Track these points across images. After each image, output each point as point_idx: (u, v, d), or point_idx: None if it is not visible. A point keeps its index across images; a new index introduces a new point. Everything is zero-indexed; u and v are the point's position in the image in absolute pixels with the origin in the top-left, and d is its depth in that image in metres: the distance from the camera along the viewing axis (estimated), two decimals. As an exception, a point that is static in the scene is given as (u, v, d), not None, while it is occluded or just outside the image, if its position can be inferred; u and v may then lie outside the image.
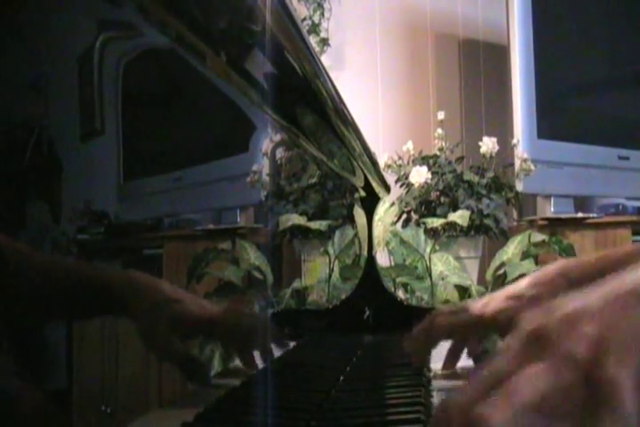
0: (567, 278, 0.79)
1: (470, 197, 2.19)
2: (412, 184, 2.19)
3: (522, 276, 1.92)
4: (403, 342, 0.82)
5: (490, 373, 0.33)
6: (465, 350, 0.82)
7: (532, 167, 2.25)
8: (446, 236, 2.16)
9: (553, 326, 0.33)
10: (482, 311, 0.79)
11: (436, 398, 0.66)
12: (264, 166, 1.73)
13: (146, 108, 0.86)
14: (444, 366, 0.83)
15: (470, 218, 2.12)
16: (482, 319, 0.79)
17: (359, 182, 1.21)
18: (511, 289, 0.82)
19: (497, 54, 2.76)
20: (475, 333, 0.82)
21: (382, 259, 1.88)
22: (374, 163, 1.16)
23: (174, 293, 0.69)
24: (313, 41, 2.54)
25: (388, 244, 1.97)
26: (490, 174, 2.23)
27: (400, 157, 2.30)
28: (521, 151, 2.29)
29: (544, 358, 0.32)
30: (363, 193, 1.26)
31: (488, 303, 0.81)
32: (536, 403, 0.30)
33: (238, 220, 1.51)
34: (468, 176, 2.22)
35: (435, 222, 2.11)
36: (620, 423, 0.29)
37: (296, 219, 1.92)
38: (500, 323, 0.78)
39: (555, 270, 0.82)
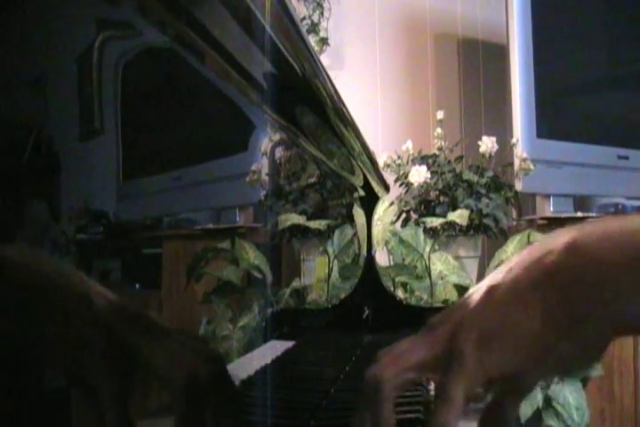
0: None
1: (469, 197, 2.19)
2: (412, 184, 2.19)
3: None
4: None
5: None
6: None
7: (532, 167, 2.25)
8: (445, 235, 2.16)
9: (440, 317, 0.47)
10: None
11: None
12: (263, 166, 1.73)
13: (145, 108, 0.86)
14: None
15: (469, 217, 2.12)
16: None
17: (358, 182, 1.21)
18: None
19: (496, 54, 2.76)
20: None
21: (381, 258, 1.88)
22: (373, 162, 1.16)
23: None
24: (312, 40, 2.54)
25: (387, 243, 1.97)
26: (489, 174, 2.23)
27: (399, 157, 2.30)
28: (520, 151, 2.29)
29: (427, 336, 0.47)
30: (362, 192, 1.26)
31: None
32: (414, 363, 0.46)
33: (237, 219, 1.51)
34: (468, 176, 2.22)
35: (434, 222, 2.11)
36: (462, 382, 0.43)
37: (295, 218, 1.91)
38: None
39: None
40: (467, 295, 0.47)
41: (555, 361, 0.44)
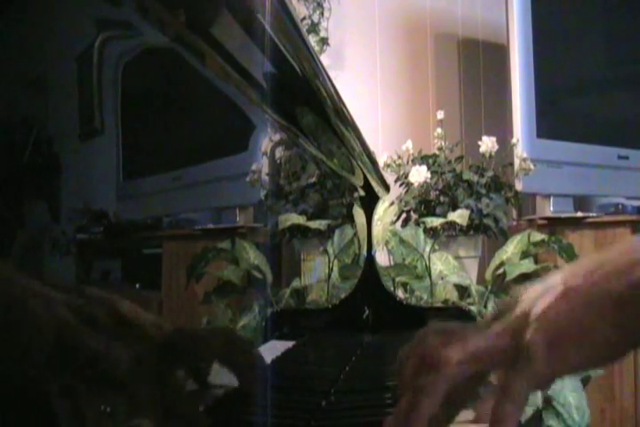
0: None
1: (470, 197, 2.19)
2: (412, 183, 2.19)
3: (522, 276, 1.92)
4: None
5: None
6: None
7: (532, 167, 2.25)
8: (446, 235, 2.16)
9: (508, 309, 0.47)
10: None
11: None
12: (263, 166, 1.73)
13: (145, 108, 0.86)
14: None
15: (470, 217, 2.12)
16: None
17: (358, 182, 1.21)
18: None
19: (496, 54, 2.76)
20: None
21: (382, 258, 1.88)
22: (374, 162, 1.16)
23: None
24: (312, 40, 2.54)
25: (387, 243, 1.97)
26: (489, 174, 2.23)
27: (399, 157, 2.30)
28: (520, 151, 2.29)
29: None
30: (362, 192, 1.26)
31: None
32: (479, 352, 0.45)
33: (237, 219, 1.51)
34: (468, 175, 2.22)
35: (434, 222, 2.11)
36: (529, 379, 0.43)
37: (295, 218, 1.91)
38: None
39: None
40: (535, 291, 0.47)
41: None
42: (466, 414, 0.50)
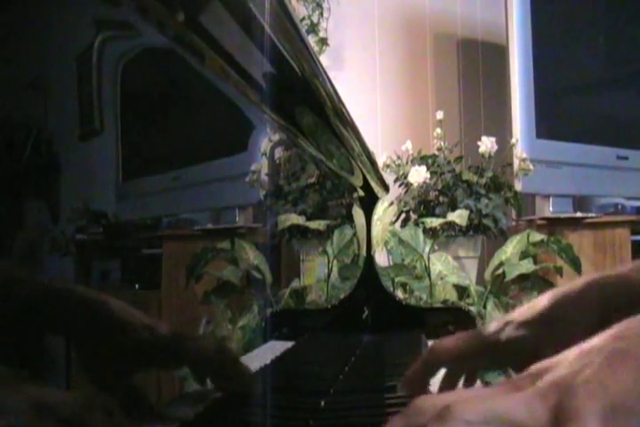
0: (599, 294, 0.64)
1: (469, 197, 2.19)
2: (411, 184, 2.19)
3: (521, 276, 1.92)
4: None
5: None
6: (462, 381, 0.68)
7: (531, 167, 2.25)
8: (445, 235, 2.16)
9: (538, 373, 0.39)
10: (494, 339, 0.66)
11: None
12: (263, 166, 1.73)
13: (145, 108, 0.86)
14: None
15: (469, 218, 2.12)
16: (494, 347, 0.65)
17: (358, 182, 1.21)
18: (528, 312, 0.66)
19: (496, 54, 2.77)
20: (483, 362, 0.67)
21: (381, 258, 1.88)
22: (373, 162, 1.16)
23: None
24: (312, 41, 2.54)
25: (386, 243, 1.97)
26: (489, 174, 2.23)
27: (399, 157, 2.30)
28: (520, 151, 2.29)
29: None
30: (361, 193, 1.26)
31: (501, 330, 0.66)
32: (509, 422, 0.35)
33: (237, 219, 1.51)
34: (467, 176, 2.22)
35: (433, 222, 2.11)
36: None
37: (295, 218, 1.92)
38: (514, 353, 0.65)
39: (582, 285, 0.65)
40: (572, 354, 0.40)
41: None
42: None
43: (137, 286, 0.94)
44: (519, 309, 0.66)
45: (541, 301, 0.65)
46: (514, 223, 2.45)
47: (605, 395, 0.36)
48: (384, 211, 1.95)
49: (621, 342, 0.39)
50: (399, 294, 1.86)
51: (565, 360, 0.40)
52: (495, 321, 0.66)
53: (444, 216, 2.14)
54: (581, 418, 0.35)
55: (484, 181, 2.22)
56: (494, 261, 2.00)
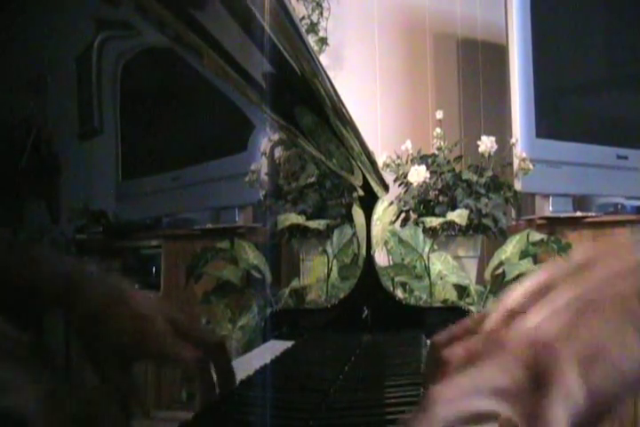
0: None
1: (469, 197, 2.19)
2: (411, 183, 2.19)
3: (520, 276, 1.92)
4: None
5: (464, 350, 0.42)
6: None
7: (531, 166, 2.25)
8: (445, 235, 2.16)
9: (505, 335, 0.41)
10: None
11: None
12: (262, 166, 1.73)
13: (144, 108, 0.86)
14: None
15: (469, 217, 2.12)
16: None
17: (358, 182, 1.21)
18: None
19: (495, 54, 2.76)
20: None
21: (381, 258, 1.88)
22: (373, 162, 1.16)
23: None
24: (311, 40, 2.54)
25: (386, 243, 1.97)
26: (488, 174, 2.23)
27: (399, 157, 2.30)
28: (519, 150, 2.29)
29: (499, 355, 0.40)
30: (361, 192, 1.26)
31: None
32: (490, 390, 0.38)
33: (237, 219, 1.51)
34: (467, 175, 2.22)
35: (433, 222, 2.11)
36: (564, 404, 0.37)
37: (294, 218, 1.92)
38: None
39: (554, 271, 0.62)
40: (537, 310, 0.41)
41: None
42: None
43: (136, 285, 0.94)
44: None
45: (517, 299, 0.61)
46: (514, 223, 2.45)
47: (581, 346, 0.38)
48: (384, 210, 1.95)
49: (586, 294, 0.40)
50: (399, 293, 1.86)
51: (532, 317, 0.41)
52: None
53: (444, 216, 2.14)
54: (561, 372, 0.38)
55: (483, 180, 2.22)
56: (494, 261, 2.00)
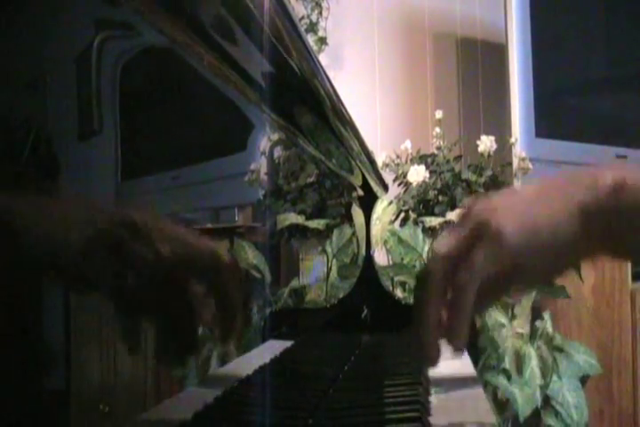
0: None
1: (468, 196, 2.19)
2: (410, 183, 2.19)
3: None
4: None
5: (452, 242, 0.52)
6: None
7: (530, 166, 2.25)
8: (444, 235, 2.16)
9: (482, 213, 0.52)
10: None
11: (434, 397, 0.66)
12: (262, 165, 1.73)
13: (144, 108, 0.86)
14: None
15: (468, 217, 2.12)
16: None
17: (357, 181, 1.21)
18: None
19: (495, 53, 2.76)
20: None
21: (380, 258, 1.88)
22: (372, 162, 1.16)
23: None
24: (311, 40, 2.54)
25: (386, 243, 1.97)
26: (488, 173, 2.23)
27: (398, 156, 2.30)
28: (519, 150, 2.29)
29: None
30: (361, 192, 1.26)
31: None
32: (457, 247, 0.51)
33: (236, 219, 1.51)
34: (466, 175, 2.22)
35: (433, 221, 2.11)
36: (490, 257, 0.48)
37: (294, 218, 1.92)
38: None
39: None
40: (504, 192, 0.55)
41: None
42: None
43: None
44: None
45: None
46: (513, 222, 2.45)
47: (520, 217, 0.49)
48: (383, 210, 1.95)
49: (545, 186, 0.53)
50: (398, 293, 1.86)
51: (502, 194, 0.55)
52: None
53: (444, 215, 2.14)
54: (499, 226, 0.48)
55: (483, 180, 2.22)
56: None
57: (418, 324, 0.53)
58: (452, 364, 0.70)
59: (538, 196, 0.52)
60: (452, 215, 2.11)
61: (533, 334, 1.87)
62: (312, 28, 2.58)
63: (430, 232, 2.13)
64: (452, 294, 0.50)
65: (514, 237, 0.48)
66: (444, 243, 0.51)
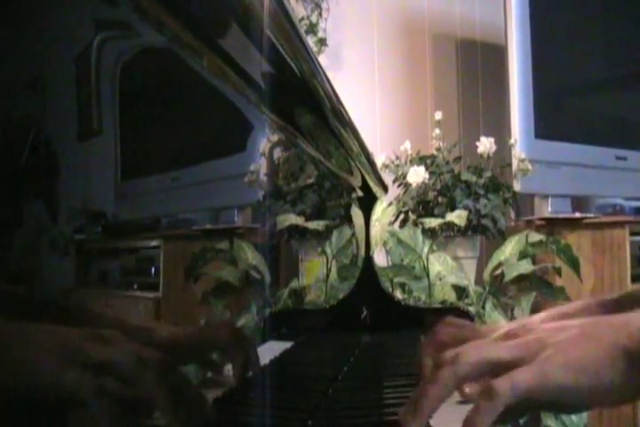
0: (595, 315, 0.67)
1: (468, 197, 2.19)
2: (410, 184, 2.19)
3: (520, 276, 1.92)
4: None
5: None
6: None
7: (530, 167, 2.25)
8: (444, 236, 2.16)
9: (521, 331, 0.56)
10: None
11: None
12: (262, 166, 1.73)
13: (143, 108, 0.86)
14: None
15: (468, 218, 2.12)
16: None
17: (357, 182, 1.21)
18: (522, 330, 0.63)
19: (494, 54, 2.77)
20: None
21: (380, 259, 1.88)
22: (372, 163, 1.16)
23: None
24: (310, 41, 2.54)
25: (385, 244, 1.97)
26: (487, 174, 2.23)
27: (397, 157, 2.30)
28: (518, 151, 2.29)
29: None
30: (360, 193, 1.26)
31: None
32: (494, 357, 0.51)
33: (236, 220, 1.51)
34: (466, 176, 2.22)
35: (432, 222, 2.11)
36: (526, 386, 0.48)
37: (294, 219, 1.91)
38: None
39: (580, 306, 0.68)
40: (552, 325, 0.55)
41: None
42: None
43: (135, 286, 0.94)
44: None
45: (535, 318, 0.66)
46: (512, 223, 2.45)
47: (565, 355, 0.50)
48: (383, 211, 1.95)
49: (590, 328, 0.52)
50: (398, 294, 1.86)
51: (547, 328, 0.54)
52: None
53: (443, 216, 2.14)
54: (541, 362, 0.49)
55: (482, 181, 2.22)
56: (493, 262, 2.00)
57: (414, 411, 0.49)
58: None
59: (583, 335, 0.52)
60: (452, 216, 2.11)
61: (533, 336, 1.87)
62: (312, 28, 2.58)
63: (430, 233, 2.13)
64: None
65: (556, 377, 0.49)
66: (492, 349, 0.52)
